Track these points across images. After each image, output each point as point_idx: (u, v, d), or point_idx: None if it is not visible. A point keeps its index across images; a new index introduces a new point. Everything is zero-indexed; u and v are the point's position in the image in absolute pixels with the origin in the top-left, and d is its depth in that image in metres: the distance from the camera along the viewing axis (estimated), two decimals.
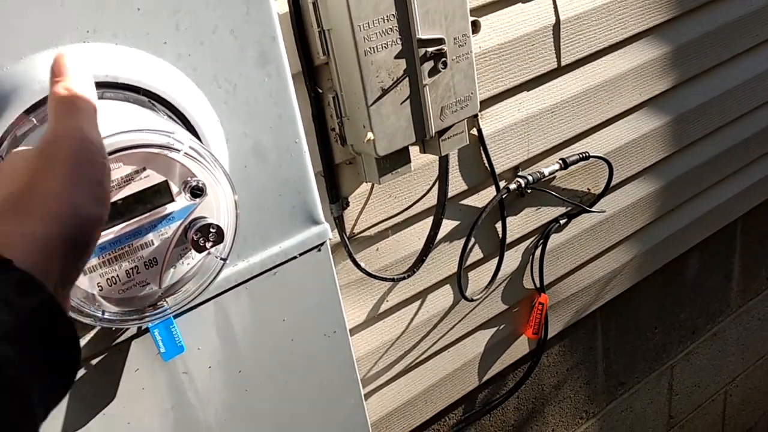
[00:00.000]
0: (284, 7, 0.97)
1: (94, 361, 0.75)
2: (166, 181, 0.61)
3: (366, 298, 1.25)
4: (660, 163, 1.61)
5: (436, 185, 1.24)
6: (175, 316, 0.76)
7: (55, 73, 0.48)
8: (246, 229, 0.79)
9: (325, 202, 1.10)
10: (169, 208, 0.62)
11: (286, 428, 0.92)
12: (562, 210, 1.47)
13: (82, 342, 0.73)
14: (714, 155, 1.71)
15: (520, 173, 1.35)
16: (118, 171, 0.58)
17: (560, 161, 1.38)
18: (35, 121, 0.60)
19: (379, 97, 0.99)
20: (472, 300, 1.38)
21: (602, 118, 1.44)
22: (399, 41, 0.98)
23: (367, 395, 1.32)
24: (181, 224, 0.63)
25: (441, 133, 1.08)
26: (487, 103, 1.25)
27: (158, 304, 0.65)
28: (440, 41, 1.01)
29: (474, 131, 1.24)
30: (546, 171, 1.36)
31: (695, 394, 2.18)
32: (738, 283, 2.11)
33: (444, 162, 1.22)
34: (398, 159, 1.07)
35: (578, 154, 1.40)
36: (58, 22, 0.62)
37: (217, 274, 0.67)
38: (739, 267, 2.08)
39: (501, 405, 1.63)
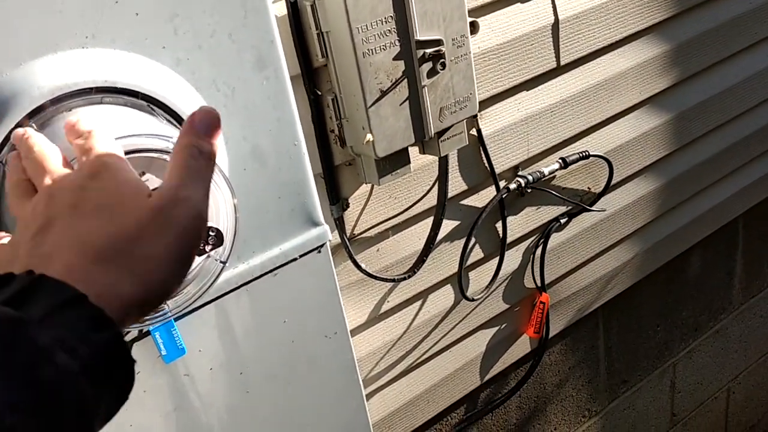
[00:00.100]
0: (283, 10, 0.97)
1: None
2: None
3: (367, 298, 1.25)
4: (661, 162, 1.61)
5: (436, 186, 1.24)
6: (176, 319, 0.77)
7: (195, 128, 0.45)
8: (246, 231, 0.79)
9: (325, 203, 1.10)
10: None
11: (288, 429, 0.93)
12: (562, 209, 1.47)
13: None
14: (715, 153, 1.71)
15: (520, 173, 1.35)
16: None
17: (560, 160, 1.38)
18: (35, 127, 0.60)
19: (378, 99, 0.99)
20: (473, 300, 1.38)
21: (602, 117, 1.44)
22: (397, 43, 0.98)
23: (369, 395, 1.33)
24: None
25: (440, 133, 1.08)
26: (486, 103, 1.25)
27: (159, 306, 0.66)
28: (438, 42, 1.01)
29: (473, 131, 1.25)
30: (546, 170, 1.36)
31: (698, 391, 2.18)
32: (740, 280, 2.11)
33: (444, 162, 1.22)
34: (398, 160, 1.07)
35: (578, 153, 1.40)
36: (57, 27, 0.63)
37: (217, 277, 0.68)
38: (741, 264, 2.08)
39: (503, 404, 1.63)
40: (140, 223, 0.41)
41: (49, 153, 0.48)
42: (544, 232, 1.45)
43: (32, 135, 0.51)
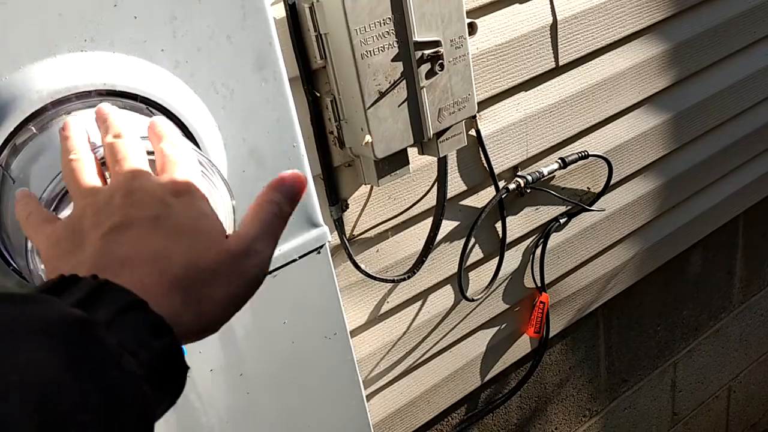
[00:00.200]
0: (281, 12, 0.97)
1: None
2: None
3: (367, 299, 1.25)
4: (660, 161, 1.61)
5: (436, 186, 1.25)
6: None
7: (284, 189, 0.46)
8: None
9: (324, 204, 1.11)
10: None
11: (288, 430, 0.93)
12: (562, 209, 1.47)
13: None
14: (714, 152, 1.71)
15: (519, 173, 1.36)
16: None
17: (559, 160, 1.38)
18: (34, 130, 0.61)
19: (377, 100, 0.99)
20: (473, 300, 1.39)
21: (601, 117, 1.44)
22: (395, 44, 0.99)
23: (369, 396, 1.33)
24: None
25: (439, 134, 1.09)
26: (485, 103, 1.25)
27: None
28: (437, 44, 1.01)
29: (472, 132, 1.25)
30: (545, 170, 1.36)
31: (698, 390, 2.18)
32: (740, 279, 2.11)
33: (443, 163, 1.22)
34: (397, 161, 1.07)
35: (577, 153, 1.40)
36: (56, 31, 0.63)
37: None
38: (741, 263, 2.08)
39: (503, 404, 1.63)
40: (217, 263, 0.42)
41: (132, 142, 0.48)
42: (544, 232, 1.46)
43: (119, 116, 0.51)
